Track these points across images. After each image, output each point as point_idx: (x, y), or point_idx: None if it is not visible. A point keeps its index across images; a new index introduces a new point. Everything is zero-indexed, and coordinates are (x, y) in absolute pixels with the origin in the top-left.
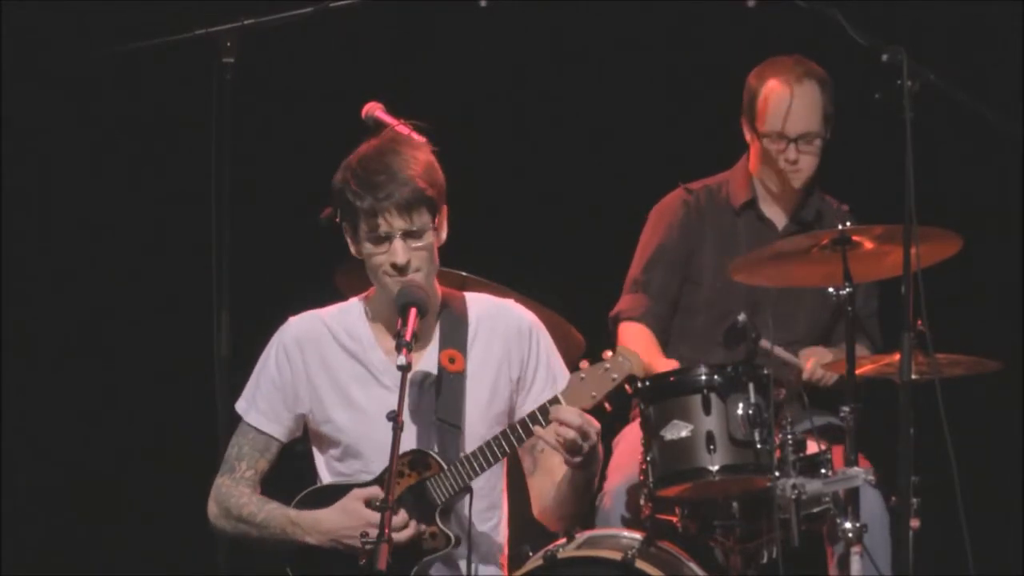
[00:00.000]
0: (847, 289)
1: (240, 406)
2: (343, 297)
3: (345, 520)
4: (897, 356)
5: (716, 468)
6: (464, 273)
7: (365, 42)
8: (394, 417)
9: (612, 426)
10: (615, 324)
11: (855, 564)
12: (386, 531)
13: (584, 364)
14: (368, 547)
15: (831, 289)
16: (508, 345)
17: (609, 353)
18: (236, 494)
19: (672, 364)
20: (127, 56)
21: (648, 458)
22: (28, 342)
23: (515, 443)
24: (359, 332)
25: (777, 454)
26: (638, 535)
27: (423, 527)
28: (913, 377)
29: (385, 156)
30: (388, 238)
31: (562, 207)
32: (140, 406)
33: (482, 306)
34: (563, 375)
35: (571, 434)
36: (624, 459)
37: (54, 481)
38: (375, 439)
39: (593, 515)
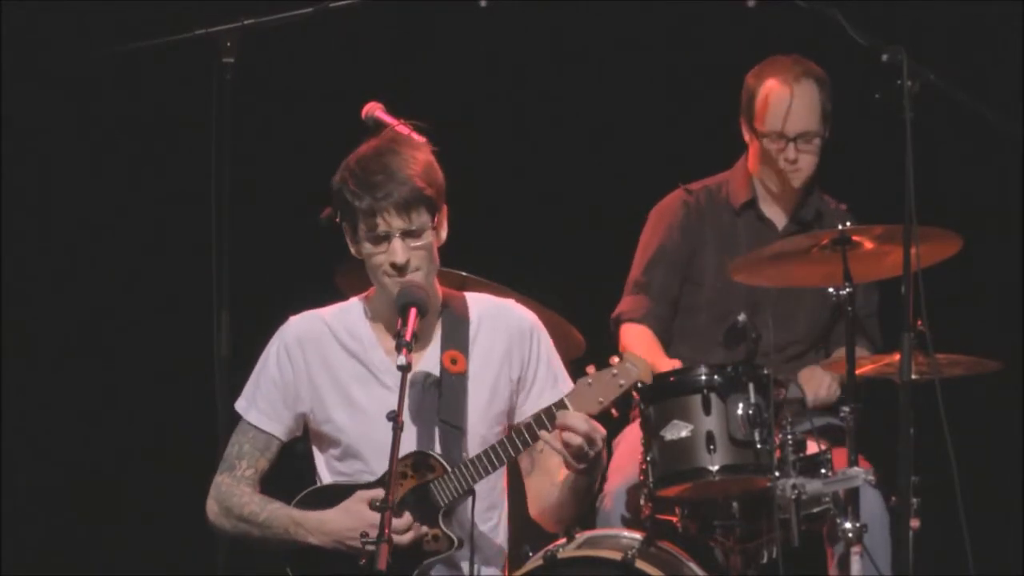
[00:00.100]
0: (847, 289)
1: (240, 405)
2: (343, 297)
3: (349, 521)
4: (897, 356)
5: (716, 468)
6: (464, 273)
7: (365, 42)
8: (394, 417)
9: (612, 426)
10: (616, 326)
11: (855, 564)
12: (386, 531)
13: (591, 369)
14: (368, 547)
15: (831, 289)
16: (509, 345)
17: (616, 359)
18: (237, 493)
19: (675, 364)
20: (127, 56)
21: (648, 458)
22: (28, 342)
23: (520, 447)
24: (360, 332)
25: (777, 454)
26: (638, 535)
27: (425, 529)
28: (913, 377)
29: (384, 156)
30: (387, 238)
31: (562, 207)
32: (140, 406)
33: (483, 306)
34: (563, 376)
35: (578, 440)
36: (624, 459)
37: (54, 481)
38: (375, 439)
39: (593, 515)
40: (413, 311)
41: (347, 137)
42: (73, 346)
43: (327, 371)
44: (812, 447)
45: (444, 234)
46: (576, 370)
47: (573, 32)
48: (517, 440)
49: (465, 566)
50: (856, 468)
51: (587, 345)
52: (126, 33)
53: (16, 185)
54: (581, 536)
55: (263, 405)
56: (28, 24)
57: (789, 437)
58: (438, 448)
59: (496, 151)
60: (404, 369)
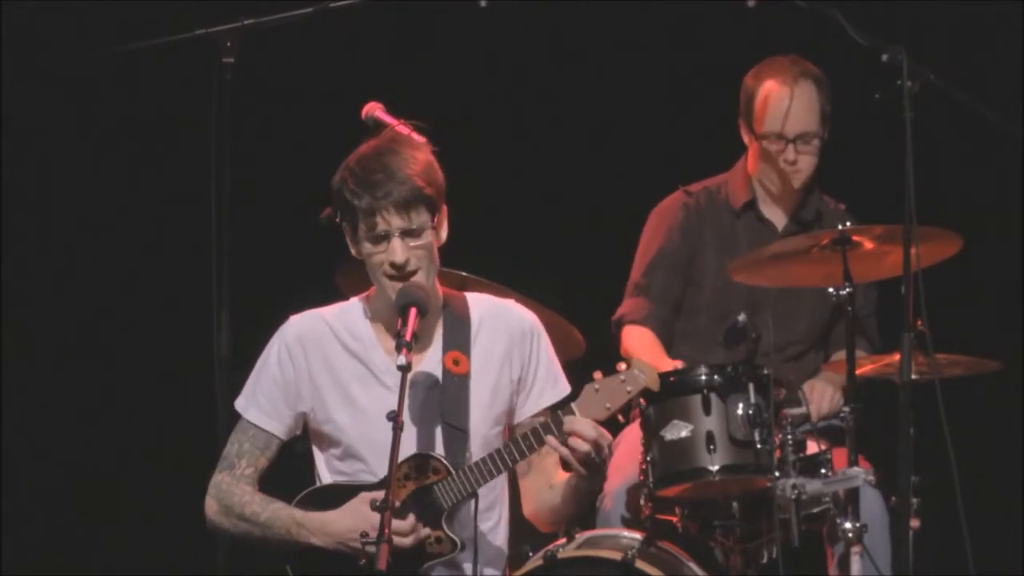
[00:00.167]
0: (847, 289)
1: (240, 403)
2: (343, 297)
3: (352, 522)
4: (897, 356)
5: (716, 468)
6: (464, 273)
7: (365, 42)
8: (394, 417)
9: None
10: (618, 328)
11: (855, 564)
12: (386, 532)
13: (598, 375)
14: (368, 547)
15: (831, 289)
16: (510, 345)
17: (623, 365)
18: (238, 492)
19: (677, 365)
20: (127, 56)
21: (648, 458)
22: (28, 342)
23: (526, 452)
24: (361, 331)
25: (777, 454)
26: (638, 535)
27: (428, 531)
28: (913, 377)
29: (383, 155)
30: (386, 237)
31: (562, 207)
32: (140, 406)
33: (484, 306)
34: (561, 378)
35: (585, 447)
36: (624, 459)
37: (54, 481)
38: (376, 439)
39: (593, 515)
40: (413, 311)
41: (347, 137)
42: (73, 346)
43: (328, 370)
44: (812, 447)
45: (444, 234)
46: (576, 370)
47: (573, 32)
48: (523, 444)
49: (466, 567)
50: (856, 468)
51: (587, 345)
52: (126, 33)
53: (16, 185)
54: (581, 536)
55: (264, 404)
56: (28, 24)
57: (789, 437)
58: (441, 450)
59: (496, 151)
60: (404, 369)
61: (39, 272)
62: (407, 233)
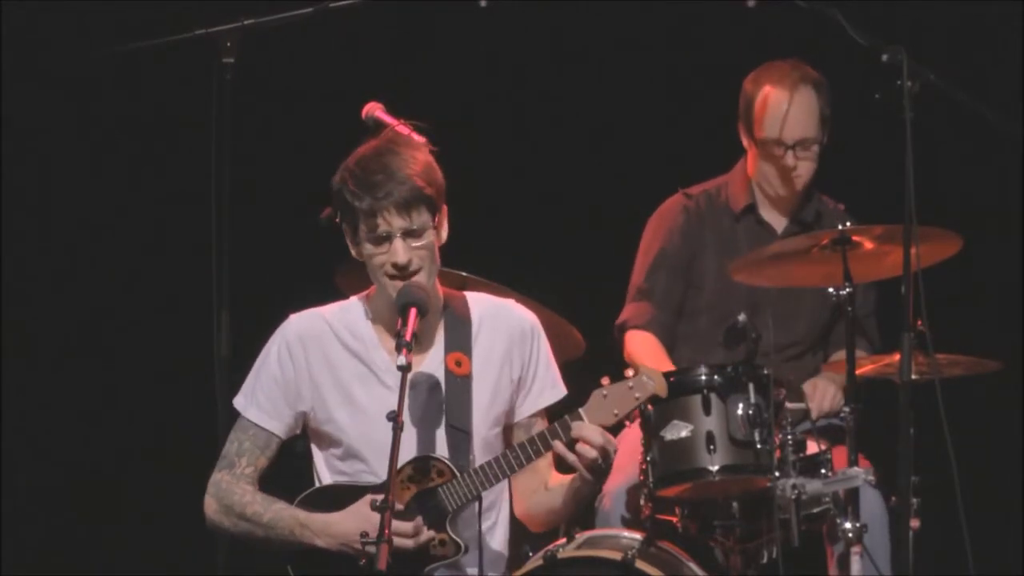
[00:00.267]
0: (847, 289)
1: (239, 402)
2: (343, 297)
3: (356, 524)
4: (897, 356)
5: (716, 468)
6: (464, 273)
7: (365, 42)
8: (394, 417)
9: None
10: (621, 333)
11: (855, 564)
12: (386, 532)
13: (605, 381)
14: (369, 548)
15: (831, 289)
16: (510, 346)
17: (631, 371)
18: (238, 491)
19: None
20: (127, 56)
21: (648, 458)
22: (28, 342)
23: (533, 456)
24: (361, 331)
25: (777, 454)
26: (638, 535)
27: (432, 534)
28: (913, 377)
29: (383, 156)
30: (388, 238)
31: (562, 207)
32: (140, 406)
33: (484, 306)
34: (559, 379)
35: (593, 454)
36: (624, 459)
37: (54, 481)
38: (376, 439)
39: (593, 516)
40: (413, 311)
41: (347, 137)
42: (73, 346)
43: (329, 370)
44: (812, 447)
45: (445, 234)
46: (576, 370)
47: (573, 32)
48: (530, 449)
49: (467, 569)
50: (856, 468)
51: (587, 345)
52: (126, 33)
53: (16, 185)
54: (581, 536)
55: (264, 403)
56: (28, 24)
57: (789, 437)
58: (445, 452)
59: (496, 151)
60: (404, 369)
61: (39, 272)
62: (409, 233)
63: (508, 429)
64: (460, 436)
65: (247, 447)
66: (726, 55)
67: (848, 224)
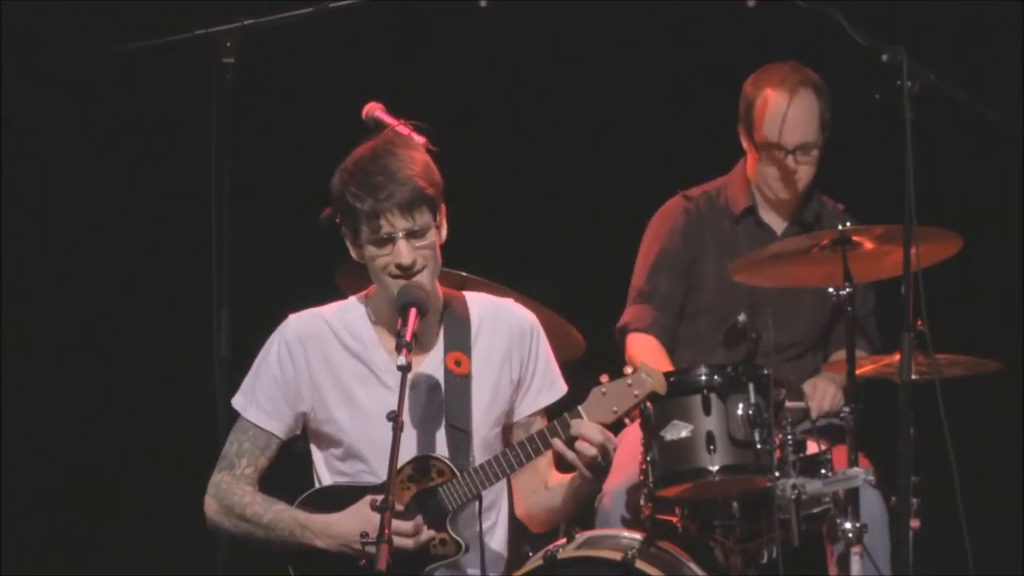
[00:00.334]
0: (847, 289)
1: (238, 402)
2: (343, 297)
3: (356, 525)
4: (897, 356)
5: (716, 468)
6: (464, 273)
7: (365, 42)
8: (394, 417)
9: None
10: (622, 336)
11: (855, 564)
12: (386, 532)
13: (604, 378)
14: (369, 548)
15: (831, 289)
16: (509, 345)
17: (630, 369)
18: (238, 492)
19: None
20: (127, 56)
21: (648, 458)
22: (28, 342)
23: (532, 455)
24: (361, 331)
25: (777, 454)
26: (638, 535)
27: (433, 533)
28: (913, 377)
29: (382, 158)
30: (391, 239)
31: (562, 207)
32: (140, 406)
33: (483, 306)
34: (559, 378)
35: (592, 451)
36: (624, 459)
37: (54, 481)
38: (377, 439)
39: (593, 516)
40: (413, 311)
41: (347, 137)
42: (73, 346)
43: (328, 370)
44: (812, 447)
45: (444, 233)
46: (576, 370)
47: (573, 32)
48: (529, 447)
49: (467, 569)
50: (856, 468)
51: (587, 345)
52: (126, 33)
53: (16, 185)
54: (581, 536)
55: (263, 403)
56: (28, 24)
57: (789, 437)
58: (445, 452)
59: (496, 151)
60: (404, 369)
61: (39, 272)
62: (411, 234)
63: (508, 429)
64: (460, 436)
65: (247, 448)
66: (726, 55)
67: (848, 224)
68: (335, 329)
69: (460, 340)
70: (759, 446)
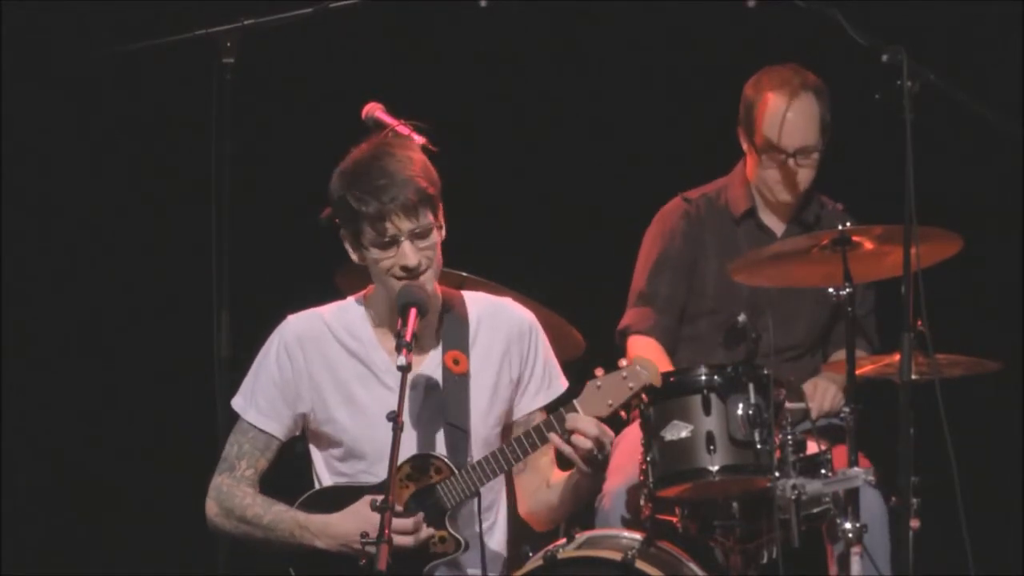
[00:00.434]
0: (847, 289)
1: (237, 403)
2: (343, 297)
3: (355, 524)
4: (897, 356)
5: (716, 468)
6: (464, 273)
7: (365, 42)
8: (394, 417)
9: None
10: (623, 339)
11: (855, 564)
12: (386, 532)
13: (599, 372)
14: (368, 548)
15: (831, 289)
16: (508, 345)
17: (624, 362)
18: (239, 494)
19: None
20: (127, 56)
21: (648, 458)
22: (28, 342)
23: (529, 450)
24: (360, 331)
25: (777, 454)
26: (638, 535)
27: (432, 531)
28: (913, 377)
29: (381, 160)
30: (395, 241)
31: (562, 207)
32: (140, 406)
33: (481, 305)
34: (558, 374)
35: (588, 444)
36: (624, 459)
37: (54, 481)
38: (377, 439)
39: (593, 516)
40: (413, 311)
41: (347, 137)
42: (73, 346)
43: (328, 370)
44: (812, 447)
45: (444, 232)
46: (576, 370)
47: (573, 32)
48: (526, 442)
49: (467, 567)
50: (856, 468)
51: (587, 345)
52: (126, 33)
53: (16, 185)
54: (581, 536)
55: (263, 404)
56: (28, 24)
57: (789, 437)
58: (444, 450)
59: (496, 151)
60: (404, 369)
61: (39, 272)
62: (416, 235)
63: (508, 428)
64: (459, 435)
65: (247, 449)
66: (726, 55)
67: (848, 224)
68: (334, 330)
69: (458, 339)
70: (759, 446)
